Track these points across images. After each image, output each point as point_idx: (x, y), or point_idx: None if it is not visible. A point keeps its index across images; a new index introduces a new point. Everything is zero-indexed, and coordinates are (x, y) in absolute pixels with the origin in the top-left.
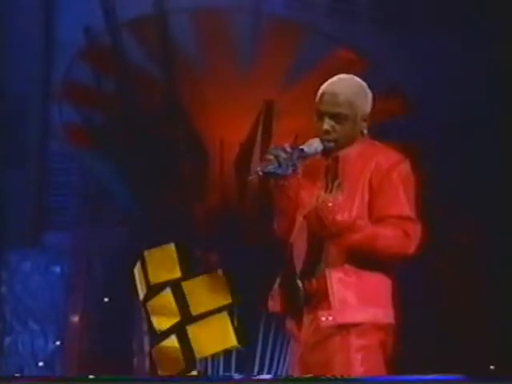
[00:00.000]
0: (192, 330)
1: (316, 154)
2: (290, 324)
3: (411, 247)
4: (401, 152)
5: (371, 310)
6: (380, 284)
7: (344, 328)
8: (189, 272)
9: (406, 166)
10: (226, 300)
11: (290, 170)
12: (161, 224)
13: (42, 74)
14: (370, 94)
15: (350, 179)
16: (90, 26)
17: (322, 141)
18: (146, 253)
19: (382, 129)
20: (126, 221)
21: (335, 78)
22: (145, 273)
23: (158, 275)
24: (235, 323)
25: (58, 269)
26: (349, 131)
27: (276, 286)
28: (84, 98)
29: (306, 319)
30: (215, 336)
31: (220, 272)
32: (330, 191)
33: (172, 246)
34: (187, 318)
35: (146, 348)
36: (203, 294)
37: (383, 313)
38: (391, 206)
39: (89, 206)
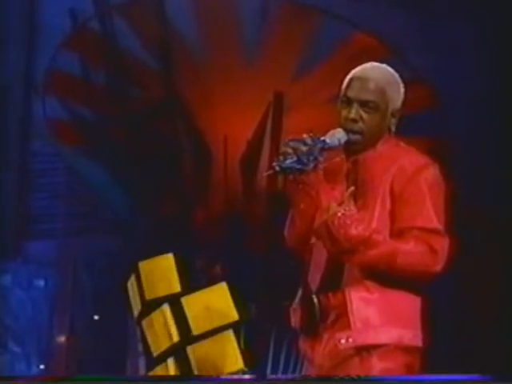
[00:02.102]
0: (193, 352)
1: (340, 145)
2: (303, 344)
3: (438, 264)
4: (429, 154)
5: (396, 331)
6: (407, 302)
7: (364, 349)
8: (189, 286)
9: (434, 171)
10: (231, 317)
11: (311, 165)
12: (158, 232)
13: (23, 63)
14: (402, 88)
15: (370, 185)
16: (77, 9)
17: (347, 131)
18: (140, 264)
19: (406, 123)
20: (119, 228)
21: (367, 64)
22: (139, 287)
23: (155, 290)
24: (242, 343)
25: (42, 283)
26: (377, 124)
27: (297, 299)
28: (71, 91)
29: (322, 339)
30: (219, 358)
31: (224, 285)
32: (347, 199)
33: (170, 257)
34: (187, 337)
35: (142, 372)
36: (205, 311)
37: (410, 334)
38: (416, 217)
39: (77, 212)
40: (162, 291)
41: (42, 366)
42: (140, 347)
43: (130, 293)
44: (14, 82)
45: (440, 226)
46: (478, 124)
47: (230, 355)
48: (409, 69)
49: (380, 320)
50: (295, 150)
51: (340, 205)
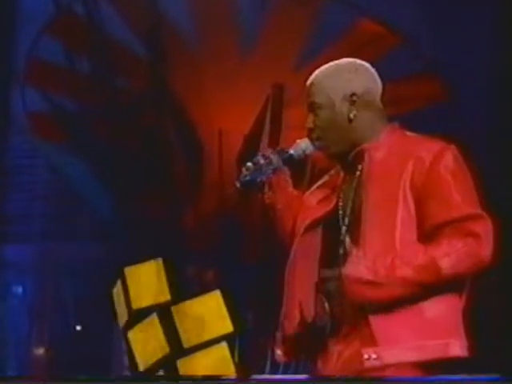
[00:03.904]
0: (184, 366)
1: (305, 155)
2: (310, 359)
3: (486, 250)
4: (442, 140)
5: (432, 343)
6: (446, 306)
7: (390, 366)
8: (180, 294)
9: (452, 154)
10: (225, 328)
11: (270, 173)
12: (146, 235)
13: (1, 50)
14: (362, 70)
15: (386, 183)
16: None
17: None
18: (127, 270)
19: (417, 117)
20: (104, 231)
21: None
22: (126, 295)
23: (142, 298)
24: (236, 356)
25: (19, 290)
26: (329, 120)
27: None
28: (53, 81)
29: (333, 352)
30: (212, 372)
31: (218, 293)
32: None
33: (159, 262)
34: (178, 350)
35: None
36: (197, 321)
37: (452, 344)
38: (444, 211)
39: (57, 214)
40: (150, 300)
41: None
42: (126, 361)
43: (116, 301)
44: None
45: (473, 210)
46: (492, 117)
47: (223, 369)
48: (419, 59)
49: (410, 330)
50: (255, 164)
51: (350, 251)
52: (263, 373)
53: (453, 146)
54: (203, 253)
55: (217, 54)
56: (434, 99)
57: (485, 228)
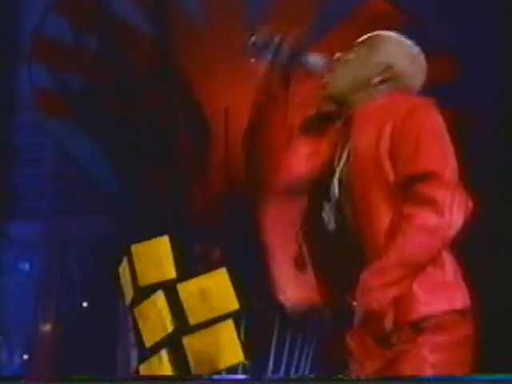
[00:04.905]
0: (189, 343)
1: (317, 69)
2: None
3: (439, 215)
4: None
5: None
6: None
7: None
8: (186, 272)
9: (426, 109)
10: (231, 306)
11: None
12: (152, 213)
13: (6, 27)
14: (418, 60)
15: (369, 158)
16: None
17: None
18: (133, 248)
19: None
20: (110, 208)
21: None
22: (132, 272)
23: (149, 275)
24: (242, 334)
25: (26, 266)
26: (353, 73)
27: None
28: (59, 58)
29: (354, 333)
30: (218, 350)
31: (224, 271)
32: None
33: (166, 240)
34: (183, 327)
35: (134, 364)
36: (203, 299)
37: (459, 297)
38: (410, 164)
39: (64, 190)
40: (156, 277)
41: (25, 357)
42: (132, 337)
43: (122, 278)
44: None
45: (440, 168)
46: (501, 97)
47: (229, 347)
48: (427, 38)
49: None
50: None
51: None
52: (269, 350)
53: (432, 102)
54: (210, 230)
55: (224, 32)
56: (443, 79)
57: (444, 196)
